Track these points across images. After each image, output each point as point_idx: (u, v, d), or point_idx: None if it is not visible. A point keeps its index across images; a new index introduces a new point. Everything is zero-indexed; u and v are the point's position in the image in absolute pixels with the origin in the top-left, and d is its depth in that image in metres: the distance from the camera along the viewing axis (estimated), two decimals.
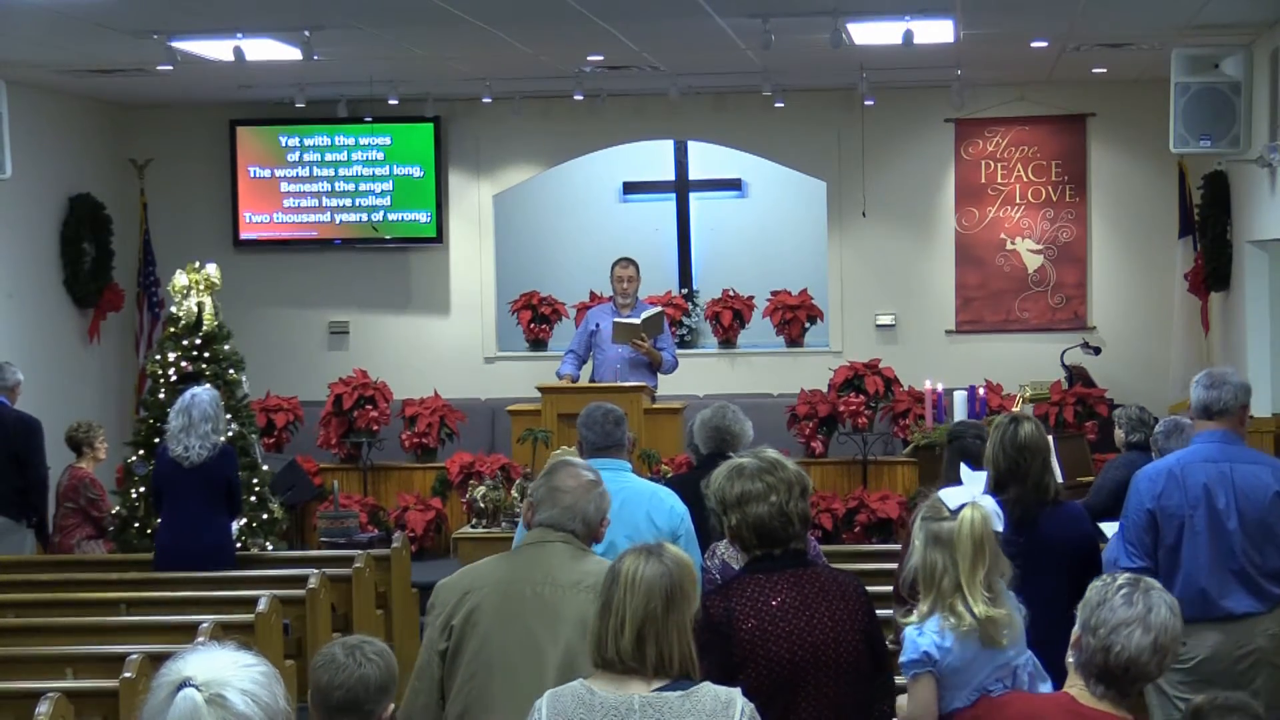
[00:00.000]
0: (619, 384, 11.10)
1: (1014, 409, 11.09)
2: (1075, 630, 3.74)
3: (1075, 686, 3.71)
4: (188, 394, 8.95)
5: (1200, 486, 5.93)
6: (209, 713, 2.50)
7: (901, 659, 4.59)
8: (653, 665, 3.66)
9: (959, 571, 4.58)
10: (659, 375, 11.58)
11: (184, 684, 2.52)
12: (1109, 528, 7.58)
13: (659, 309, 12.08)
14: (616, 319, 11.36)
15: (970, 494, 4.67)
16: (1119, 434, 8.97)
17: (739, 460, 4.68)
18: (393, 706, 3.70)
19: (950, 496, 4.68)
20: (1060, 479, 9.30)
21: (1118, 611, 3.65)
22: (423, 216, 14.77)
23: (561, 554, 4.53)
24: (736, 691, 3.70)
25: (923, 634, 4.61)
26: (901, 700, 4.70)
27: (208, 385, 9.36)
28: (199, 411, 8.80)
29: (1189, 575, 5.89)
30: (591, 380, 11.60)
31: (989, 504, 4.68)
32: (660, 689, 3.65)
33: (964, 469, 4.90)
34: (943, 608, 4.59)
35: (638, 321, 11.39)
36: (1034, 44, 11.88)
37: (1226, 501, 5.91)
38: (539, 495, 4.62)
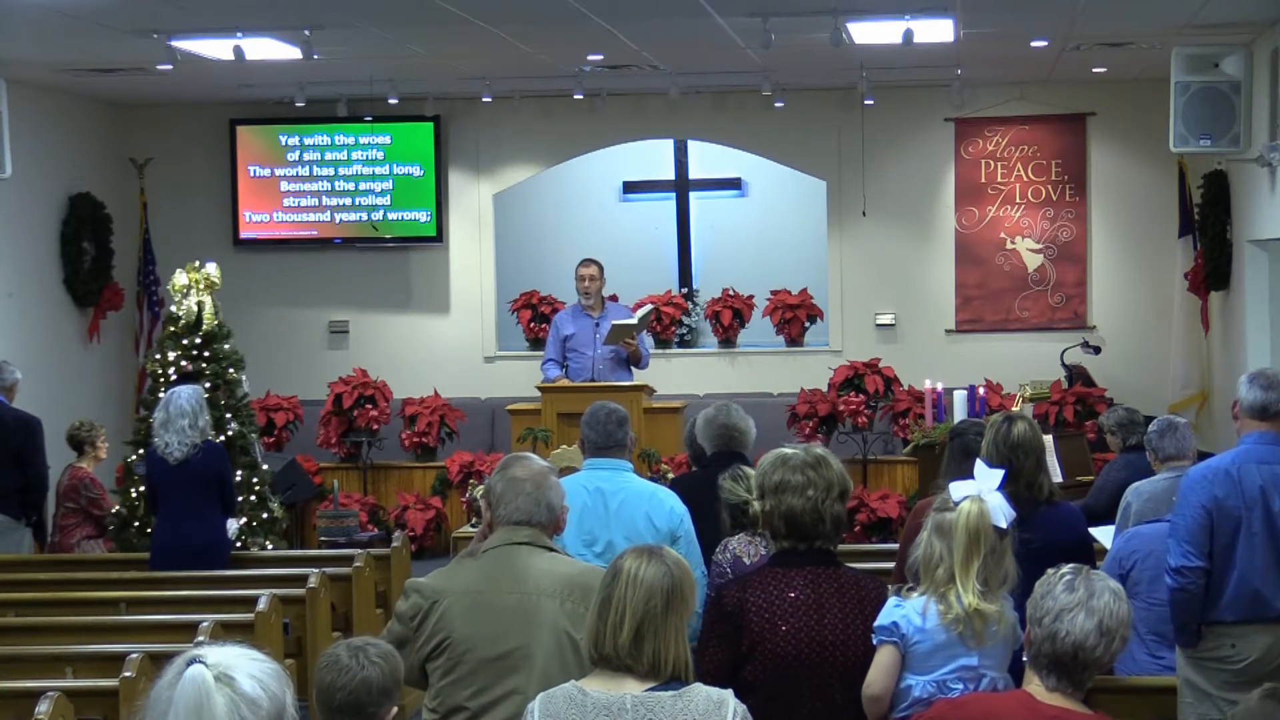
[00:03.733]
0: (619, 383, 11.12)
1: (1014, 408, 11.11)
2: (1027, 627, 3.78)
3: (1033, 684, 3.74)
4: (171, 390, 8.97)
5: (1256, 488, 5.91)
6: (216, 689, 2.54)
7: (875, 623, 4.62)
8: (648, 663, 3.67)
9: (953, 561, 4.62)
10: (634, 370, 11.60)
11: (193, 661, 2.55)
12: (1103, 533, 7.55)
13: (650, 306, 12.12)
14: (616, 321, 11.37)
15: (975, 488, 4.70)
16: (1112, 439, 8.92)
17: (786, 450, 4.70)
18: (395, 709, 3.70)
19: (957, 489, 4.72)
20: (1059, 478, 9.33)
21: (1060, 598, 3.69)
22: (423, 216, 14.77)
23: (526, 557, 4.51)
24: (729, 693, 3.71)
25: (901, 606, 4.66)
26: None
27: (194, 385, 9.34)
28: (175, 407, 8.79)
29: (1243, 576, 5.88)
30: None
31: (994, 500, 4.68)
32: (652, 689, 3.66)
33: (980, 465, 4.92)
34: (935, 595, 4.63)
35: (634, 321, 11.42)
36: (1034, 43, 11.88)
37: None
38: (497, 491, 4.62)
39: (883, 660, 4.61)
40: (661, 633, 3.68)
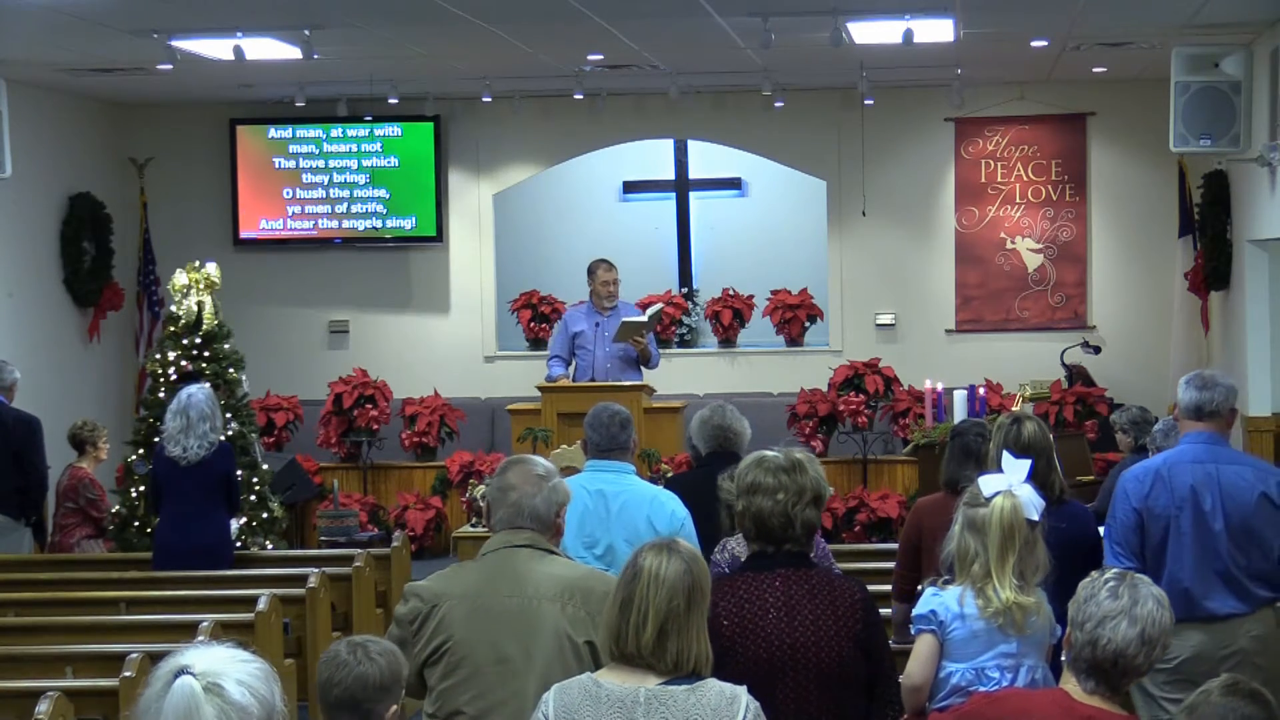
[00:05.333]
0: (620, 383, 11.10)
1: (1014, 408, 11.10)
2: (1067, 628, 3.79)
3: (1070, 683, 3.76)
4: (183, 394, 8.91)
5: (1187, 487, 5.92)
6: (205, 700, 2.52)
7: (913, 613, 4.65)
8: (672, 662, 3.67)
9: (989, 558, 4.65)
10: (643, 370, 11.58)
11: (181, 672, 2.53)
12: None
13: (659, 305, 12.09)
14: (626, 319, 11.34)
15: (1006, 482, 4.72)
16: (1123, 438, 8.92)
17: (767, 452, 4.69)
18: (395, 708, 3.69)
19: (988, 484, 4.74)
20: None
21: (1103, 605, 3.71)
22: (423, 216, 14.76)
23: (526, 560, 4.49)
24: (742, 689, 3.71)
25: (939, 594, 4.69)
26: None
27: (201, 384, 9.33)
28: (196, 412, 8.77)
29: (1173, 576, 5.88)
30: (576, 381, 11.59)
31: (1025, 493, 4.71)
32: (666, 683, 3.67)
33: (1007, 456, 4.92)
34: (973, 590, 4.68)
35: (645, 319, 11.37)
36: (1034, 43, 11.88)
37: (1213, 503, 5.90)
38: (492, 495, 4.61)
39: (922, 650, 4.64)
40: (684, 631, 3.69)
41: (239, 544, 9.53)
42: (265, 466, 10.53)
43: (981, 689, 4.58)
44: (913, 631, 4.66)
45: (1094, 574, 3.82)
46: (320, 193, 14.82)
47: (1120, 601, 3.70)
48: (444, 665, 4.43)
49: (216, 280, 10.37)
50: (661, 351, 13.99)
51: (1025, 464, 4.82)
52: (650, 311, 11.58)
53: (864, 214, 14.52)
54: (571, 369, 11.68)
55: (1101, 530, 7.47)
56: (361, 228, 14.81)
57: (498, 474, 4.65)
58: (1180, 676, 5.86)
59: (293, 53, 10.91)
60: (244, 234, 14.86)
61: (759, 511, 4.54)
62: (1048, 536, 4.87)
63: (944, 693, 4.67)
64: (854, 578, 4.77)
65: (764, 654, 4.40)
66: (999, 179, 14.46)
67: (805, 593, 4.47)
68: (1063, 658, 3.81)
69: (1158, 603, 3.72)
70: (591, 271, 11.67)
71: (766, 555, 4.57)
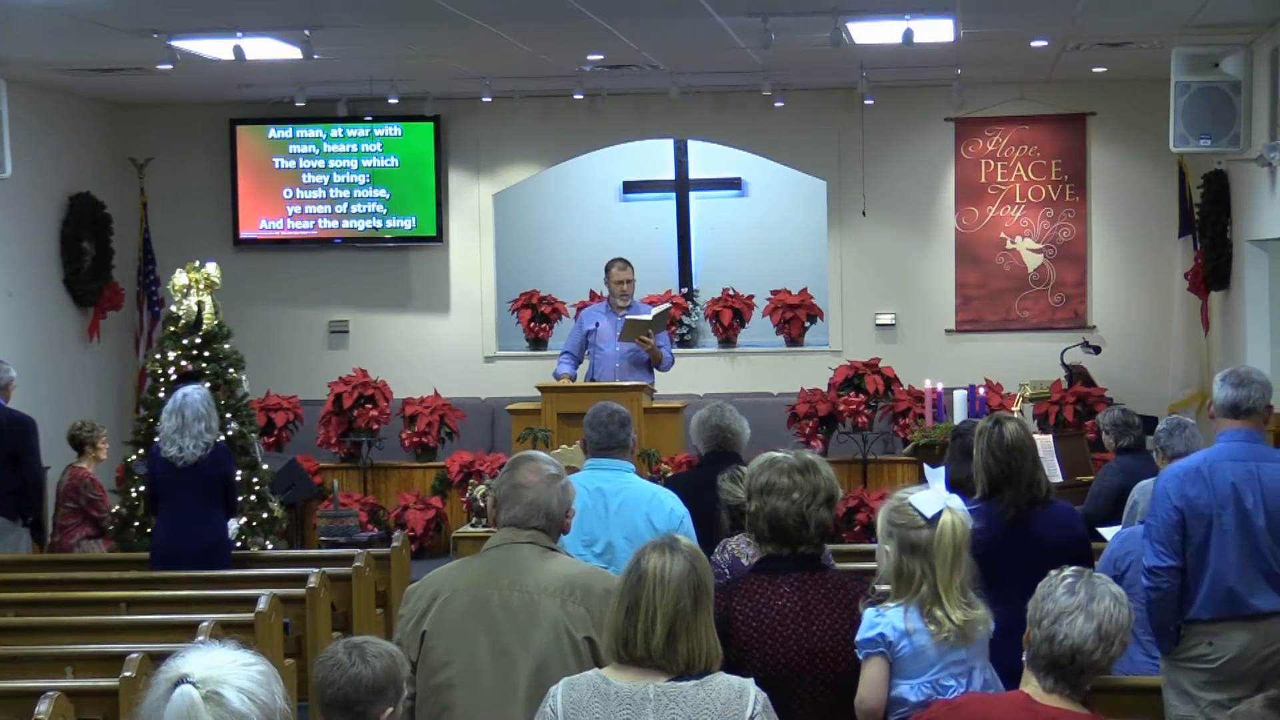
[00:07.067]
0: (620, 383, 11.09)
1: (1014, 408, 11.12)
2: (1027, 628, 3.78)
3: (1030, 684, 3.75)
4: (179, 394, 8.88)
5: (1228, 485, 5.91)
6: (206, 710, 2.51)
7: (857, 638, 4.57)
8: (684, 661, 3.68)
9: (937, 579, 4.57)
10: (655, 373, 11.55)
11: (181, 680, 2.52)
12: (1107, 532, 7.57)
13: (666, 304, 12.07)
14: (629, 316, 11.32)
15: (942, 498, 4.64)
16: (1105, 438, 8.93)
17: (777, 454, 4.70)
18: (390, 709, 3.68)
19: (925, 503, 4.63)
20: (1059, 478, 9.33)
21: (1060, 601, 3.70)
22: (423, 216, 14.76)
23: (528, 556, 4.49)
24: (749, 682, 3.72)
25: (882, 615, 4.59)
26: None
27: (197, 384, 9.31)
28: (191, 412, 8.76)
29: (1217, 574, 5.88)
30: (589, 380, 11.59)
31: (958, 504, 4.66)
32: (674, 679, 3.68)
33: (928, 470, 4.89)
34: (923, 614, 4.57)
35: (649, 317, 11.35)
36: (1034, 43, 11.88)
37: (1254, 500, 5.90)
38: (502, 493, 4.59)
39: (872, 674, 4.53)
40: (693, 630, 3.70)
41: (239, 544, 9.53)
42: (265, 466, 10.53)
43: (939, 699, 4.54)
44: (860, 656, 4.56)
45: (1052, 573, 3.80)
46: (320, 193, 14.82)
47: (1076, 597, 3.69)
48: (441, 655, 4.43)
49: (216, 280, 10.37)
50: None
51: (942, 471, 4.81)
52: (656, 310, 11.55)
53: (864, 214, 14.53)
54: (584, 367, 11.67)
55: (1111, 530, 7.48)
56: (361, 228, 14.81)
57: (507, 471, 4.63)
58: (1224, 677, 5.85)
59: (293, 53, 10.91)
60: (244, 234, 14.86)
61: (774, 512, 4.54)
62: (1039, 541, 4.86)
63: (902, 710, 4.62)
64: (860, 577, 4.76)
65: (780, 659, 4.40)
66: (999, 179, 14.47)
67: (821, 598, 4.48)
68: (1023, 658, 3.79)
69: (1115, 599, 3.71)
70: (606, 270, 11.68)
71: (780, 558, 4.55)
